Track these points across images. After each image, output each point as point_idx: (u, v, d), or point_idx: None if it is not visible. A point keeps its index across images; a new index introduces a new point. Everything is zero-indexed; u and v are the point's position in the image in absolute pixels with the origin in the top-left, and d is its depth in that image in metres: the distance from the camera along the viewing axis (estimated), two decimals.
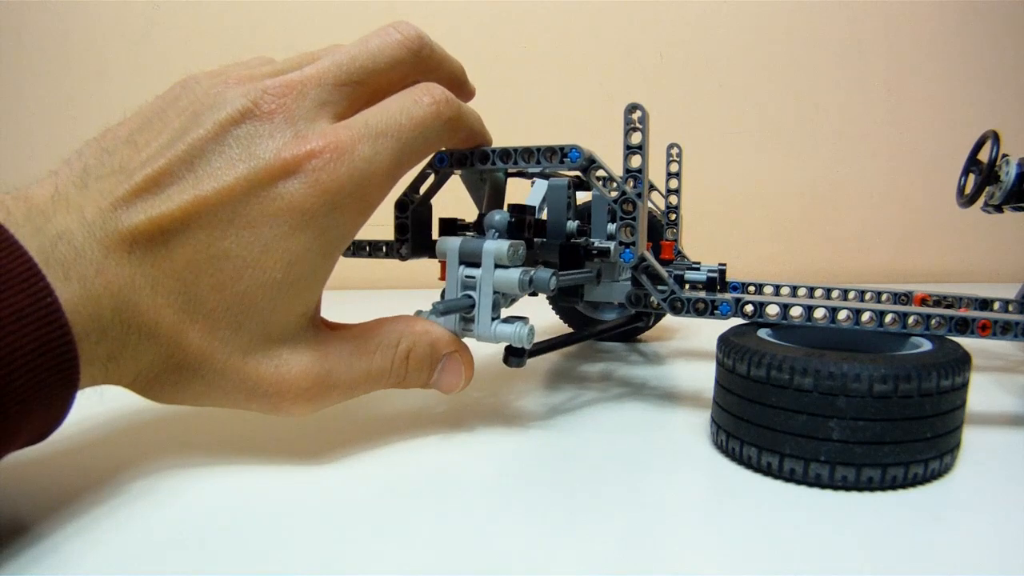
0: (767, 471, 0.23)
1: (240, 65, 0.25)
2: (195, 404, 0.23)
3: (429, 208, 0.31)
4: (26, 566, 0.18)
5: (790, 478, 0.23)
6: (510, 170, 0.31)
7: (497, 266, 0.26)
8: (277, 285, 0.22)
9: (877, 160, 0.99)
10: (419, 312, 0.27)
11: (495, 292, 0.26)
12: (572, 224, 0.30)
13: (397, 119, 0.24)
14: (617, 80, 0.93)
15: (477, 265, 0.26)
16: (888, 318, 0.26)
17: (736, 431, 0.24)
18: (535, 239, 0.30)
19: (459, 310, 0.26)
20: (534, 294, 0.28)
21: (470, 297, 0.26)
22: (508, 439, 0.28)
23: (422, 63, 0.26)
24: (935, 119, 0.99)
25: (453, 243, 0.27)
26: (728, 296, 0.28)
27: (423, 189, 0.31)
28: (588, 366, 0.41)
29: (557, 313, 0.49)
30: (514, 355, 0.27)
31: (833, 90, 0.97)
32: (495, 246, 0.26)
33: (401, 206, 0.30)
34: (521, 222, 0.28)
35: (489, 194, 0.31)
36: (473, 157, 0.28)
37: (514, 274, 0.26)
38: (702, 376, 0.38)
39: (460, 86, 0.29)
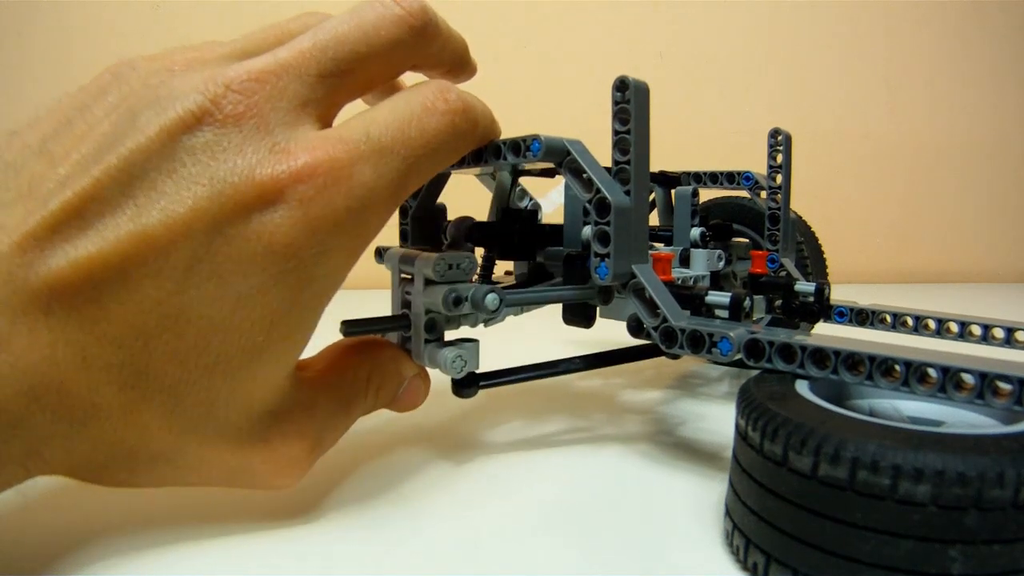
0: None
1: (189, 48, 0.19)
2: (157, 486, 0.19)
3: (439, 209, 0.30)
4: None
5: None
6: (524, 167, 0.28)
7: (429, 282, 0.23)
8: (257, 351, 0.17)
9: (877, 160, 0.99)
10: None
11: (428, 312, 0.23)
12: (588, 231, 0.27)
13: (406, 131, 0.19)
14: None
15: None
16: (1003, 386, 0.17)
17: (774, 549, 0.17)
18: (550, 247, 0.29)
19: (377, 330, 0.24)
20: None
21: (406, 317, 0.24)
22: (453, 506, 0.23)
23: (425, 44, 0.21)
24: (935, 119, 1.00)
25: (394, 254, 0.25)
26: (738, 328, 0.22)
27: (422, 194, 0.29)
28: (597, 384, 0.37)
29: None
30: (461, 385, 0.24)
31: (833, 90, 0.97)
32: (422, 261, 0.23)
33: (403, 212, 0.29)
34: (472, 227, 0.25)
35: (497, 193, 0.31)
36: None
37: (439, 291, 0.22)
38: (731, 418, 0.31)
39: (463, 66, 0.24)
